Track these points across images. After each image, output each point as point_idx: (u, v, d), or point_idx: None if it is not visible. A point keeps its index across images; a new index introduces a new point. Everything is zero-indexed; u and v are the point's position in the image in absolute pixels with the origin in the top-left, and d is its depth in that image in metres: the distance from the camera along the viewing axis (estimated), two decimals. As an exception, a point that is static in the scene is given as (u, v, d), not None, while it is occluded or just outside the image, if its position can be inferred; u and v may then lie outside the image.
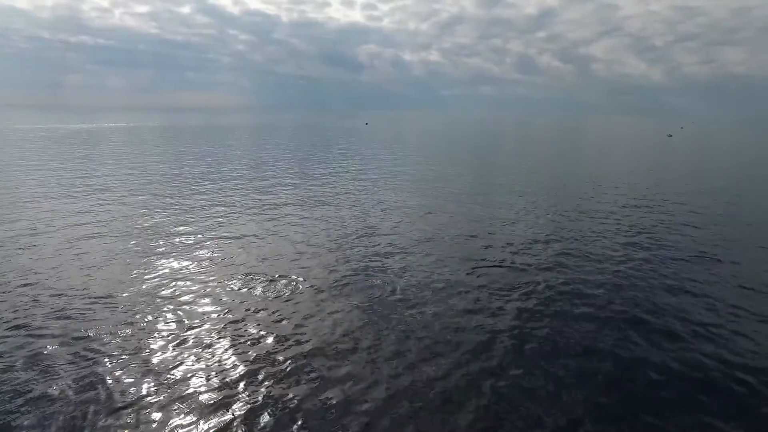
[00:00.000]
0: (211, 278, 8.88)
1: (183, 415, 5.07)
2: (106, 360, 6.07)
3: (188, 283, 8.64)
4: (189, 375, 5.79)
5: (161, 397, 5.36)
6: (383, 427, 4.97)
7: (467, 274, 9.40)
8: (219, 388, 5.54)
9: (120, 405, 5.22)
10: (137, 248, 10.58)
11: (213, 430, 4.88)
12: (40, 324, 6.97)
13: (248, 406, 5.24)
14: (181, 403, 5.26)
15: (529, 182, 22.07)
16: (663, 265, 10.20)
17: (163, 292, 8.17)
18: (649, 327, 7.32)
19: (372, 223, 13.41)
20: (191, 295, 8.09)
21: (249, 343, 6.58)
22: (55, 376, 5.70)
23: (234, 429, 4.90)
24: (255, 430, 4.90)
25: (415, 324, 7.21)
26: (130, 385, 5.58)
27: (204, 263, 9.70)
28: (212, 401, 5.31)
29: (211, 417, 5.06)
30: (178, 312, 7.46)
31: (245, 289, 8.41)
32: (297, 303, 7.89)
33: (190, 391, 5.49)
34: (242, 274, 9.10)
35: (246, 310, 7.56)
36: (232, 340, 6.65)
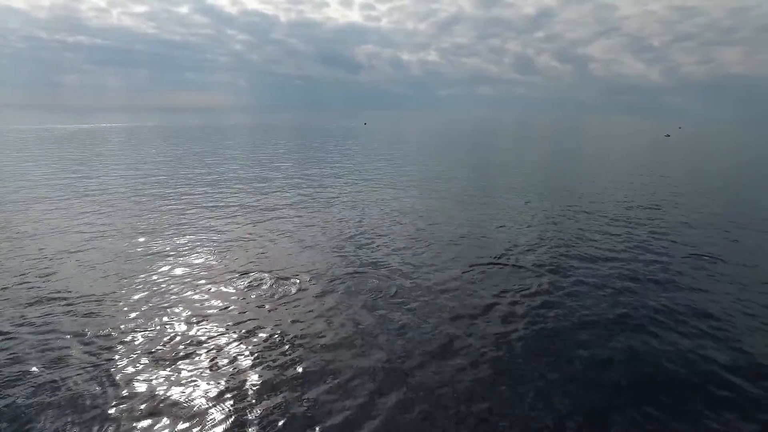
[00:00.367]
0: (210, 277, 8.86)
1: (183, 414, 5.06)
2: (107, 359, 6.06)
3: (188, 282, 8.62)
4: (189, 374, 5.78)
5: (161, 396, 5.35)
6: (380, 426, 4.97)
7: (466, 273, 9.41)
8: (219, 388, 5.53)
9: (119, 404, 5.22)
10: (136, 248, 10.56)
11: (204, 426, 4.87)
12: (40, 324, 6.96)
13: (248, 404, 5.25)
14: (181, 402, 5.26)
15: (527, 182, 22.10)
16: (661, 264, 10.23)
17: (162, 291, 8.16)
18: (648, 326, 7.34)
19: (371, 223, 13.40)
20: (191, 295, 8.08)
21: (249, 341, 6.58)
22: (56, 376, 5.69)
23: (234, 428, 4.90)
24: (254, 428, 4.89)
25: (414, 323, 7.21)
26: (130, 384, 5.57)
27: (203, 263, 9.68)
28: (212, 400, 5.31)
29: (211, 416, 5.05)
30: (179, 311, 7.45)
31: (245, 289, 8.39)
32: (297, 302, 7.88)
33: (190, 389, 5.48)
34: (242, 274, 9.08)
35: (246, 309, 7.55)
36: (232, 339, 6.65)
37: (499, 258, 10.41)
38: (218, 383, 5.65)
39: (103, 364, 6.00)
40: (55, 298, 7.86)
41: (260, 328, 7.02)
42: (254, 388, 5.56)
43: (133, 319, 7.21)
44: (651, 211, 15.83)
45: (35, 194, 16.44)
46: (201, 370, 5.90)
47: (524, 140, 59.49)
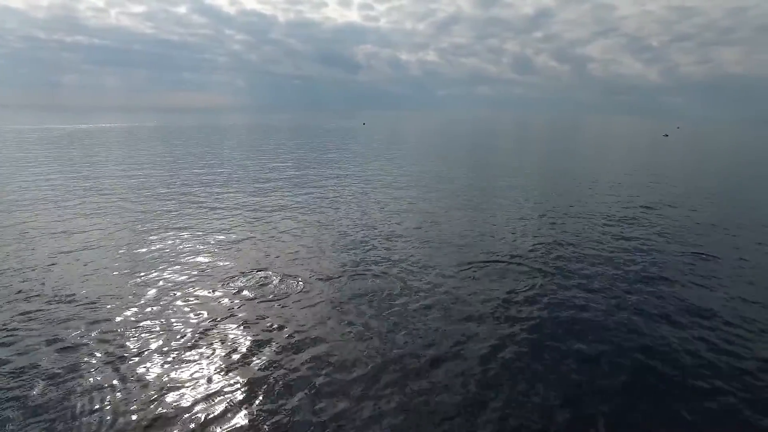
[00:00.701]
0: (211, 277, 8.83)
1: (180, 409, 5.04)
2: (106, 358, 6.03)
3: (190, 282, 8.59)
4: (189, 372, 5.76)
5: (162, 395, 5.32)
6: (377, 423, 4.95)
7: (467, 272, 9.39)
8: (218, 386, 5.50)
9: (120, 402, 5.19)
10: (136, 247, 10.52)
11: (207, 426, 4.84)
12: (40, 323, 6.92)
13: (248, 401, 5.22)
14: (181, 400, 5.23)
15: (527, 181, 22.10)
16: (660, 262, 10.23)
17: (164, 290, 8.13)
18: (648, 325, 7.32)
19: (371, 222, 13.38)
20: (193, 294, 8.05)
21: (250, 339, 6.55)
22: (56, 375, 5.66)
23: (231, 424, 4.87)
24: (251, 424, 4.87)
25: (415, 322, 7.19)
26: (130, 383, 5.54)
27: (203, 262, 9.65)
28: (211, 400, 5.27)
29: (206, 414, 5.03)
30: (179, 310, 7.41)
31: (246, 288, 8.35)
32: (298, 301, 7.85)
33: (191, 387, 5.45)
34: (243, 273, 9.05)
35: (247, 308, 7.52)
36: (234, 337, 6.62)
37: (499, 257, 10.39)
38: (219, 382, 5.62)
39: (104, 363, 5.97)
40: (56, 297, 7.82)
41: (262, 327, 6.98)
42: (256, 387, 5.53)
43: (134, 317, 7.18)
44: (649, 210, 15.83)
45: (35, 194, 16.38)
46: (201, 369, 5.87)
47: (523, 140, 59.54)
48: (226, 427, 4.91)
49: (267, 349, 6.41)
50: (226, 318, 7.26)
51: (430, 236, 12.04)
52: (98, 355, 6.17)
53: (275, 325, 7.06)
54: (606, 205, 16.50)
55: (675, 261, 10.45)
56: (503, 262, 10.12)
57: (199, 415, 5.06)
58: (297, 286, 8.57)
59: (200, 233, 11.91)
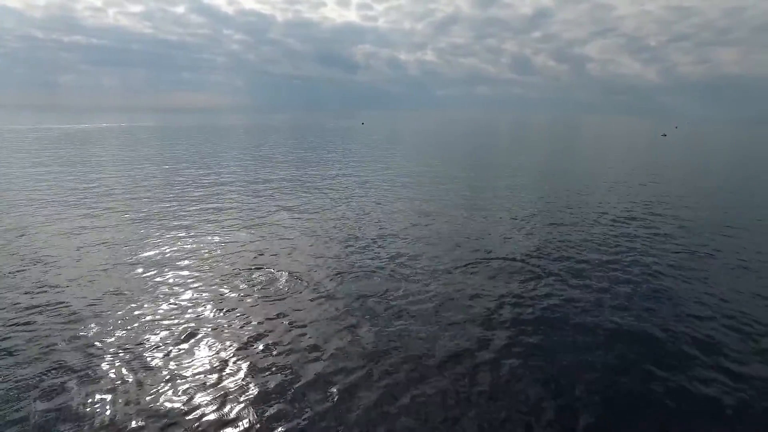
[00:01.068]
0: (209, 276, 8.88)
1: (182, 409, 5.08)
2: (106, 356, 6.08)
3: (188, 281, 8.64)
4: (189, 370, 5.80)
5: (162, 392, 5.37)
6: (376, 422, 5.00)
7: (464, 271, 9.45)
8: (218, 385, 5.55)
9: (118, 400, 5.23)
10: (137, 247, 10.56)
11: (210, 425, 4.89)
12: (40, 323, 6.96)
13: (248, 399, 5.27)
14: (181, 397, 5.28)
15: (525, 181, 22.16)
16: (658, 260, 10.29)
17: (165, 288, 8.18)
18: (645, 322, 7.39)
19: (370, 222, 13.43)
20: (191, 294, 8.10)
21: (248, 336, 6.60)
22: (57, 374, 5.70)
23: (233, 423, 4.92)
24: (253, 423, 4.92)
25: (412, 319, 7.24)
26: (129, 380, 5.59)
27: (203, 262, 9.69)
28: (211, 397, 5.32)
29: (209, 413, 5.08)
30: (180, 309, 7.47)
31: (248, 287, 8.41)
32: (296, 300, 7.90)
33: (190, 385, 5.50)
34: (241, 272, 9.10)
35: (249, 307, 7.58)
36: (232, 335, 6.67)
37: (498, 255, 10.45)
38: (218, 379, 5.67)
39: (106, 361, 6.02)
40: (58, 296, 7.86)
41: (263, 324, 7.04)
42: (258, 384, 5.59)
43: (131, 316, 7.22)
44: (648, 209, 15.90)
45: (36, 194, 16.39)
46: (202, 367, 5.92)
47: (522, 140, 59.63)
48: (227, 424, 4.96)
49: (267, 347, 6.46)
50: (228, 314, 7.31)
51: (430, 234, 12.09)
52: (100, 353, 6.21)
53: (276, 323, 7.11)
54: (604, 204, 16.57)
55: (674, 259, 10.52)
56: (501, 259, 10.18)
57: (200, 412, 5.11)
58: (298, 283, 8.61)
59: (200, 232, 11.94)
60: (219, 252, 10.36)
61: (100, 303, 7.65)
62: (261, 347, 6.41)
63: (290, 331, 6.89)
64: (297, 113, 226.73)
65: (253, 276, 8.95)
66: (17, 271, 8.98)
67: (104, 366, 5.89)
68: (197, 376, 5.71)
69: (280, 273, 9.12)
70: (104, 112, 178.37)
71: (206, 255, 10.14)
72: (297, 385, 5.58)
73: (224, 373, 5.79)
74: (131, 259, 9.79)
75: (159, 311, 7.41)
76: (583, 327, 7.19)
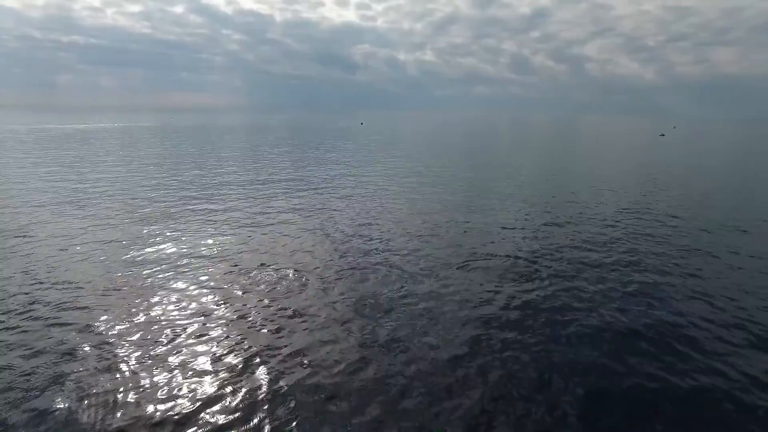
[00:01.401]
0: (211, 274, 8.93)
1: (181, 407, 5.14)
2: (107, 355, 6.12)
3: (189, 280, 8.68)
4: (189, 369, 5.85)
5: (162, 389, 5.42)
6: (374, 418, 5.06)
7: (464, 270, 9.51)
8: (218, 383, 5.60)
9: (118, 397, 5.28)
10: (135, 247, 10.60)
11: (209, 423, 4.94)
12: (41, 321, 7.00)
13: (248, 397, 5.33)
14: (181, 395, 5.33)
15: (523, 180, 22.23)
16: (656, 258, 10.37)
17: (163, 287, 8.22)
18: (643, 320, 7.46)
19: (370, 220, 13.48)
20: (192, 292, 8.14)
21: (247, 334, 6.65)
22: (57, 373, 5.74)
23: (232, 420, 4.97)
24: (252, 421, 4.97)
25: (411, 317, 7.30)
26: (131, 379, 5.64)
27: (203, 261, 9.73)
28: (210, 395, 5.37)
29: (208, 411, 5.12)
30: (178, 308, 7.51)
31: (246, 285, 8.46)
32: (298, 298, 7.96)
33: (190, 383, 5.55)
34: (242, 271, 9.15)
35: (243, 304, 7.63)
36: (231, 334, 6.72)
37: (495, 252, 10.52)
38: (218, 378, 5.72)
39: (106, 359, 6.06)
40: (59, 294, 7.90)
41: (258, 320, 7.09)
42: (253, 380, 5.64)
43: (130, 315, 7.27)
44: (646, 208, 15.98)
45: (35, 195, 16.41)
46: (203, 365, 5.97)
47: (520, 140, 59.74)
48: (228, 422, 5.01)
49: (268, 345, 6.50)
50: (222, 312, 7.36)
51: (429, 233, 12.14)
52: (101, 351, 6.26)
53: (277, 322, 7.16)
54: (602, 204, 16.65)
55: (670, 256, 10.59)
56: (501, 259, 10.24)
57: (201, 411, 5.16)
58: (299, 282, 8.66)
59: (201, 232, 11.98)
60: (220, 251, 10.41)
61: (101, 302, 7.69)
62: (262, 345, 6.46)
63: (292, 328, 6.93)
64: (296, 113, 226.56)
65: (255, 274, 8.99)
66: (16, 273, 9.01)
67: (105, 365, 5.93)
68: (198, 374, 5.76)
69: (281, 271, 9.17)
70: (103, 112, 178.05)
71: (207, 254, 10.18)
72: (298, 383, 5.62)
73: (225, 372, 5.83)
74: (132, 258, 9.82)
75: (160, 310, 7.45)
76: (583, 327, 7.24)
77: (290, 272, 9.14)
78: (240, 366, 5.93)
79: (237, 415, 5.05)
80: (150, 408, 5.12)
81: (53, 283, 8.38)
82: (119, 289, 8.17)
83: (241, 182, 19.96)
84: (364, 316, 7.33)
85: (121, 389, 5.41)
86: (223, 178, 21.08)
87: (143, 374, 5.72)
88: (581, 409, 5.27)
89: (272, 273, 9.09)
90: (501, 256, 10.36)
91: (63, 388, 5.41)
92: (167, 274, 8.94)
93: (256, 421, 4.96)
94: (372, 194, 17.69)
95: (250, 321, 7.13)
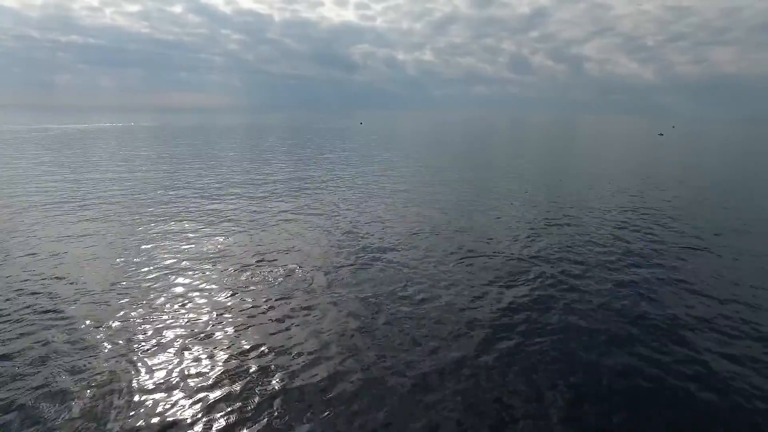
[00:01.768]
0: (208, 274, 8.99)
1: (181, 406, 5.21)
2: (108, 354, 6.18)
3: (188, 279, 8.75)
4: (189, 368, 5.91)
5: (163, 388, 5.49)
6: (373, 417, 5.14)
7: (460, 267, 9.58)
8: (218, 382, 5.66)
9: (118, 397, 5.35)
10: (133, 247, 10.65)
11: (208, 422, 5.00)
12: (41, 320, 7.07)
13: (249, 396, 5.38)
14: (181, 395, 5.40)
15: (522, 179, 22.30)
16: (654, 256, 10.46)
17: (162, 288, 8.29)
18: (641, 318, 7.54)
19: (370, 220, 13.54)
20: (191, 291, 8.20)
21: (249, 332, 6.72)
22: (58, 372, 5.79)
23: (233, 420, 5.04)
24: (252, 420, 5.04)
25: (410, 314, 7.39)
26: (130, 377, 5.71)
27: (201, 260, 9.79)
28: (211, 395, 5.42)
29: (208, 410, 5.20)
30: (177, 307, 7.58)
31: (243, 283, 8.53)
32: (296, 297, 8.02)
33: (190, 382, 5.62)
34: (243, 269, 9.21)
35: (244, 303, 7.70)
36: (231, 332, 6.79)
37: (494, 251, 10.60)
38: (218, 377, 5.77)
39: (107, 359, 6.13)
40: (59, 294, 7.96)
41: (266, 320, 7.16)
42: (252, 379, 5.70)
43: (130, 313, 7.32)
44: (645, 205, 16.07)
45: (35, 195, 16.45)
46: (201, 364, 6.03)
47: (520, 140, 59.79)
48: (229, 420, 5.09)
49: (269, 343, 6.58)
50: (222, 311, 7.44)
51: (429, 231, 12.22)
52: (103, 350, 6.31)
53: (278, 319, 7.23)
54: (601, 203, 16.73)
55: (668, 254, 10.68)
56: (498, 254, 10.33)
57: (203, 408, 5.23)
58: (300, 280, 8.73)
59: (201, 231, 12.04)
60: (220, 249, 10.46)
61: (102, 301, 7.74)
62: (262, 343, 6.51)
63: (293, 327, 6.99)
64: (295, 113, 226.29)
65: (255, 273, 9.06)
66: (17, 273, 9.07)
67: (107, 363, 5.98)
68: (198, 374, 5.81)
69: (281, 271, 9.23)
70: (102, 112, 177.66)
71: (208, 253, 10.24)
72: (299, 380, 5.69)
73: (226, 372, 5.88)
74: (132, 258, 9.88)
75: (160, 309, 7.51)
76: (583, 327, 7.33)
77: (290, 271, 9.20)
78: (241, 366, 5.99)
79: (238, 414, 5.10)
80: (150, 408, 5.17)
81: (53, 284, 8.43)
82: (120, 289, 8.23)
83: (241, 182, 20.01)
84: (365, 316, 7.40)
85: (124, 389, 5.45)
86: (223, 177, 21.12)
87: (144, 374, 5.77)
88: (588, 409, 5.36)
89: (272, 272, 9.16)
90: (501, 256, 10.44)
91: (64, 389, 5.45)
92: (167, 273, 9.00)
93: (257, 419, 5.00)
94: (371, 194, 17.76)
95: (250, 320, 7.19)
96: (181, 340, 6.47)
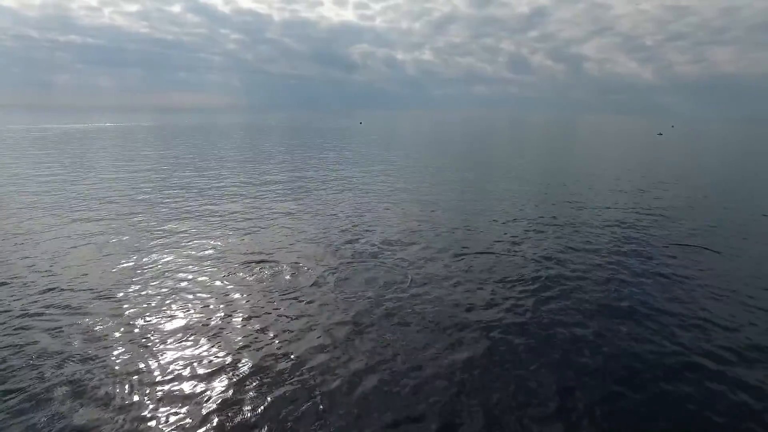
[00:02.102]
0: (208, 273, 9.03)
1: (181, 407, 5.25)
2: (109, 353, 6.23)
3: (188, 278, 8.78)
4: (189, 367, 5.96)
5: (162, 390, 5.53)
6: (372, 416, 5.19)
7: (460, 266, 9.63)
8: (218, 381, 5.70)
9: (118, 397, 5.39)
10: (134, 247, 10.69)
11: (209, 423, 5.05)
12: (41, 319, 7.11)
13: (249, 395, 5.43)
14: (181, 395, 5.44)
15: (522, 179, 22.36)
16: (653, 255, 10.52)
17: (162, 287, 8.33)
18: (639, 316, 7.59)
19: (370, 219, 13.59)
20: (191, 291, 8.25)
21: (249, 330, 6.77)
22: (58, 371, 5.84)
23: (233, 419, 5.09)
24: (252, 420, 5.09)
25: (410, 312, 7.44)
26: (131, 377, 5.75)
27: (202, 259, 9.83)
28: (210, 394, 5.45)
29: (208, 410, 5.24)
30: (176, 307, 7.62)
31: (247, 281, 8.58)
32: (297, 297, 8.06)
33: (190, 381, 5.66)
34: (240, 269, 9.25)
35: (250, 299, 7.74)
36: (232, 332, 6.83)
37: (493, 250, 10.65)
38: (218, 376, 5.82)
39: (109, 358, 6.17)
40: (59, 295, 8.00)
41: (265, 318, 7.20)
42: (252, 378, 5.74)
43: (128, 313, 7.37)
44: (643, 204, 16.13)
45: (34, 195, 16.48)
46: (201, 364, 6.07)
47: (519, 140, 59.87)
48: (229, 419, 5.14)
49: (269, 342, 6.62)
50: (221, 310, 7.47)
51: (428, 230, 12.26)
52: (104, 348, 6.36)
53: (277, 318, 7.27)
54: (601, 203, 16.79)
55: (671, 254, 10.73)
56: (497, 253, 10.38)
57: (203, 406, 5.28)
58: (300, 278, 8.78)
59: (202, 231, 12.08)
60: (220, 249, 10.50)
61: (102, 302, 7.78)
62: (263, 342, 6.56)
63: (294, 327, 7.03)
64: (294, 113, 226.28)
65: (255, 273, 9.09)
66: (17, 274, 9.11)
67: (107, 362, 6.03)
68: (199, 375, 5.86)
69: (281, 270, 9.26)
70: (101, 111, 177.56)
71: (208, 252, 10.27)
72: (300, 377, 5.74)
73: (227, 369, 5.94)
74: (132, 257, 9.93)
75: (161, 309, 7.55)
76: (580, 326, 7.40)
77: (290, 270, 9.24)
78: (242, 365, 6.03)
79: (238, 416, 5.15)
80: (152, 408, 5.22)
81: (53, 284, 8.47)
82: (120, 289, 8.27)
83: (241, 181, 20.06)
84: (366, 316, 7.44)
85: (124, 391, 5.49)
86: (223, 177, 21.16)
87: (145, 374, 5.81)
88: (589, 409, 5.41)
89: (272, 271, 9.20)
90: (501, 255, 10.49)
91: (64, 389, 5.49)
92: (167, 273, 9.03)
93: (257, 420, 5.05)
94: (371, 193, 17.81)
95: (251, 320, 7.23)
96: (181, 339, 6.51)
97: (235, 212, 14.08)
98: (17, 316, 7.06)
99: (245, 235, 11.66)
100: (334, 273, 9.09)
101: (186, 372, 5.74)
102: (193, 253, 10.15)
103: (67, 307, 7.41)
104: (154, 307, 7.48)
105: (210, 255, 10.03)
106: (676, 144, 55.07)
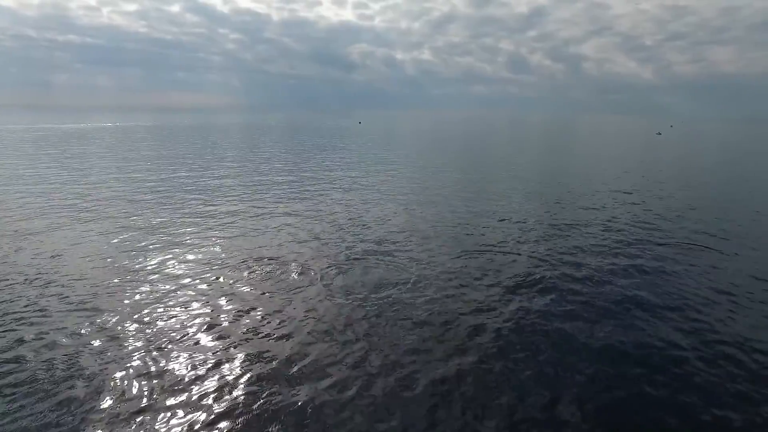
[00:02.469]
0: (208, 272, 9.05)
1: (182, 408, 5.27)
2: (109, 353, 6.24)
3: (188, 277, 8.81)
4: (189, 367, 5.97)
5: (163, 389, 5.55)
6: (372, 416, 5.20)
7: (461, 266, 9.65)
8: (218, 382, 5.72)
9: (118, 398, 5.40)
10: (134, 246, 10.71)
11: (209, 421, 5.07)
12: (41, 319, 7.12)
13: (247, 395, 5.44)
14: (181, 396, 5.45)
15: (522, 179, 22.39)
16: (653, 254, 10.54)
17: (162, 286, 8.35)
18: (640, 316, 7.62)
19: (369, 219, 13.61)
20: (191, 289, 8.27)
21: (246, 331, 6.79)
22: (58, 371, 5.85)
23: (232, 420, 5.11)
24: (252, 420, 5.10)
25: (410, 312, 7.46)
26: (130, 376, 5.76)
27: (202, 258, 9.86)
28: (210, 395, 5.48)
29: (208, 411, 5.26)
30: (177, 306, 7.64)
31: (247, 279, 8.60)
32: (300, 292, 8.09)
33: (188, 378, 5.68)
34: (240, 269, 9.28)
35: (248, 298, 7.77)
36: (230, 330, 6.85)
37: (492, 249, 10.68)
38: (218, 377, 5.84)
39: (109, 358, 6.19)
40: (60, 291, 8.02)
41: (265, 316, 7.23)
42: (252, 378, 5.76)
43: (129, 312, 7.39)
44: (643, 204, 16.17)
45: (34, 196, 16.48)
46: (201, 363, 6.10)
47: (519, 140, 59.89)
48: (230, 417, 5.16)
49: (269, 340, 6.65)
50: (221, 309, 7.50)
51: (428, 229, 12.29)
52: (104, 348, 6.38)
53: (278, 316, 7.30)
54: (600, 203, 16.82)
55: (666, 252, 10.76)
56: (496, 253, 10.40)
57: (203, 405, 5.30)
58: (300, 276, 8.80)
59: (202, 230, 12.10)
60: (221, 249, 10.52)
61: (102, 302, 7.80)
62: (263, 340, 6.58)
63: (294, 327, 7.06)
64: (294, 113, 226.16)
65: (255, 273, 9.12)
66: (17, 274, 9.12)
67: (107, 361, 6.05)
68: (199, 375, 5.87)
69: (282, 268, 9.30)
70: (100, 111, 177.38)
71: (208, 252, 10.30)
72: (300, 376, 5.76)
73: (228, 368, 5.97)
74: (133, 257, 9.94)
75: (162, 310, 7.58)
76: (580, 326, 7.42)
77: (290, 270, 9.26)
78: (241, 363, 6.05)
79: (238, 415, 5.17)
80: (152, 408, 5.24)
81: (53, 284, 8.49)
82: (120, 287, 8.29)
83: (241, 181, 20.06)
84: (365, 315, 7.47)
85: (125, 391, 5.51)
86: (222, 177, 21.16)
87: (145, 372, 5.83)
88: (590, 410, 5.44)
89: (272, 271, 9.22)
90: (501, 255, 10.52)
91: (65, 390, 5.51)
92: (167, 272, 9.07)
93: (257, 419, 5.07)
94: (371, 193, 17.82)
95: (251, 318, 7.26)
96: (180, 338, 6.54)
97: (235, 212, 14.10)
98: (17, 315, 7.08)
99: (245, 234, 11.68)
100: (334, 272, 9.11)
101: (185, 370, 5.76)
102: (193, 252, 10.17)
103: (67, 306, 7.43)
104: (155, 305, 7.50)
105: (210, 254, 10.05)
106: (675, 144, 55.13)
